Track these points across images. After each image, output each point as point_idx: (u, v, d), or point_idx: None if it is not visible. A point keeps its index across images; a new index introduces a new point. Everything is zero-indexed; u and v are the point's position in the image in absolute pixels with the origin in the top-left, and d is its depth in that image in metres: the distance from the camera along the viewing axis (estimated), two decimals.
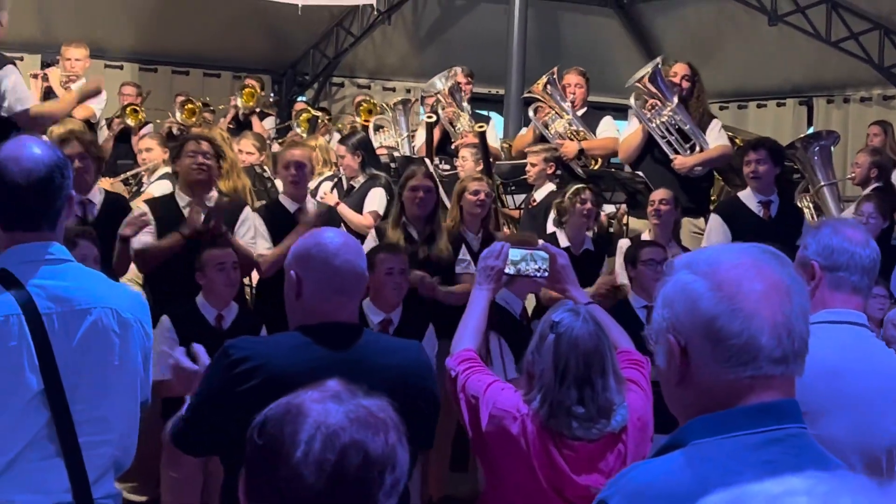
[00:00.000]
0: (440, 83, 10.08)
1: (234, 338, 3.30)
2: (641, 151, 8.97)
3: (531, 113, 9.68)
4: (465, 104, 10.02)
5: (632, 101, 8.96)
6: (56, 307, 3.07)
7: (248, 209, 6.95)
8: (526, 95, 9.90)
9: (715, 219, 7.93)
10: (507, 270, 4.19)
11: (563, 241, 7.50)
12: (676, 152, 8.74)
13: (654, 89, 8.91)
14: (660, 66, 9.03)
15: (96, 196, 6.70)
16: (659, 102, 8.81)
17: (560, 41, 15.81)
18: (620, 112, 16.29)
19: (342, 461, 1.80)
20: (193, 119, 11.35)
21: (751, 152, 7.92)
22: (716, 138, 8.95)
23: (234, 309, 6.33)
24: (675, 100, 8.78)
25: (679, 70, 8.99)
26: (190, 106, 11.59)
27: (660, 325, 2.03)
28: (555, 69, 9.77)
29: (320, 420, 1.83)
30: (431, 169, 8.47)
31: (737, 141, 9.94)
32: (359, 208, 8.09)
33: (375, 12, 14.97)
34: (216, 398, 3.18)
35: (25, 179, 3.07)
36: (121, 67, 14.45)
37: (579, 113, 9.63)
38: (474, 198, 7.35)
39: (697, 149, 8.78)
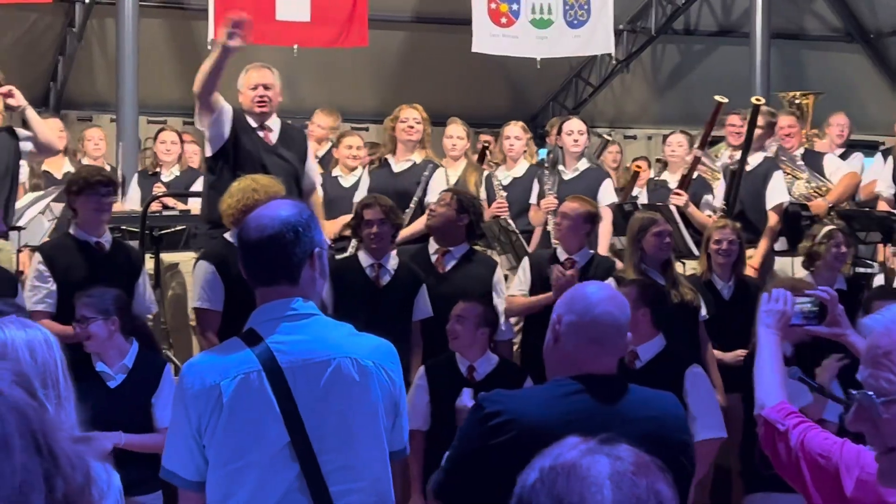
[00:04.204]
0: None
1: (487, 391, 3.32)
2: None
3: None
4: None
5: None
6: (297, 360, 3.16)
7: (498, 270, 7.28)
8: None
9: None
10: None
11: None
12: None
13: None
14: None
15: (390, 262, 6.90)
16: None
17: (804, 79, 15.42)
18: (872, 150, 15.81)
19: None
20: None
21: None
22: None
23: (491, 361, 6.36)
24: None
25: None
26: None
27: None
28: (779, 132, 9.46)
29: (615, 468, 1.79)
30: (675, 214, 8.37)
31: None
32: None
33: (614, 61, 14.93)
34: (471, 452, 3.21)
35: (257, 236, 3.22)
36: (366, 129, 14.82)
37: (797, 153, 9.34)
38: (717, 247, 7.37)
39: None
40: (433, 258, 7.17)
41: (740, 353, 6.95)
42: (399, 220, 7.05)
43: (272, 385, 3.12)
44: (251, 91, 7.10)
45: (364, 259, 6.93)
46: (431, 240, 7.28)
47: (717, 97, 8.95)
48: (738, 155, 9.60)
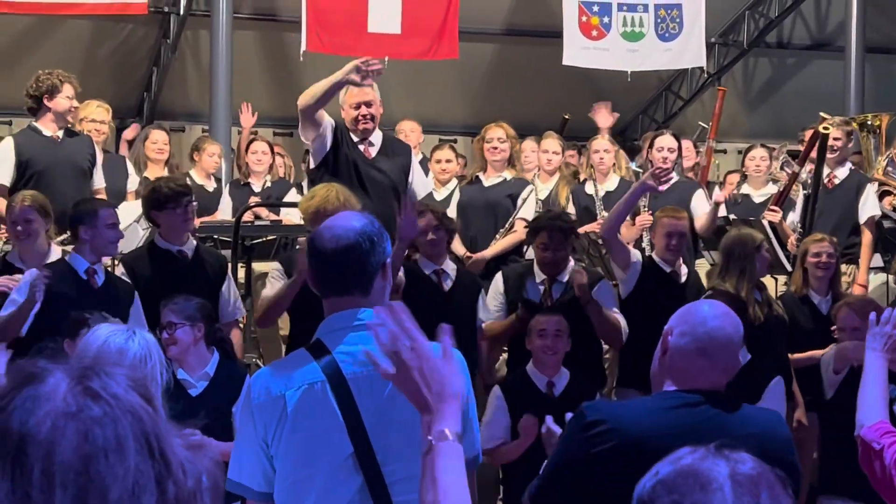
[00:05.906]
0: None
1: (567, 406, 3.32)
2: None
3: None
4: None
5: None
6: (361, 371, 3.15)
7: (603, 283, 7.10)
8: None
9: None
10: None
11: None
12: None
13: None
14: None
15: (450, 267, 7.00)
16: None
17: None
18: None
19: None
20: None
21: None
22: None
23: (564, 376, 6.30)
24: None
25: None
26: None
27: None
28: (892, 150, 9.32)
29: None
30: (768, 229, 8.29)
31: None
32: None
33: (705, 74, 14.82)
34: (571, 459, 3.20)
35: (332, 246, 3.22)
36: (454, 141, 14.85)
37: None
38: (816, 259, 7.22)
39: None
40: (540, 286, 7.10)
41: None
42: (453, 225, 7.17)
43: (336, 395, 3.13)
44: (354, 110, 7.23)
45: (425, 266, 7.02)
46: (535, 267, 7.19)
47: (822, 113, 8.83)
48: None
